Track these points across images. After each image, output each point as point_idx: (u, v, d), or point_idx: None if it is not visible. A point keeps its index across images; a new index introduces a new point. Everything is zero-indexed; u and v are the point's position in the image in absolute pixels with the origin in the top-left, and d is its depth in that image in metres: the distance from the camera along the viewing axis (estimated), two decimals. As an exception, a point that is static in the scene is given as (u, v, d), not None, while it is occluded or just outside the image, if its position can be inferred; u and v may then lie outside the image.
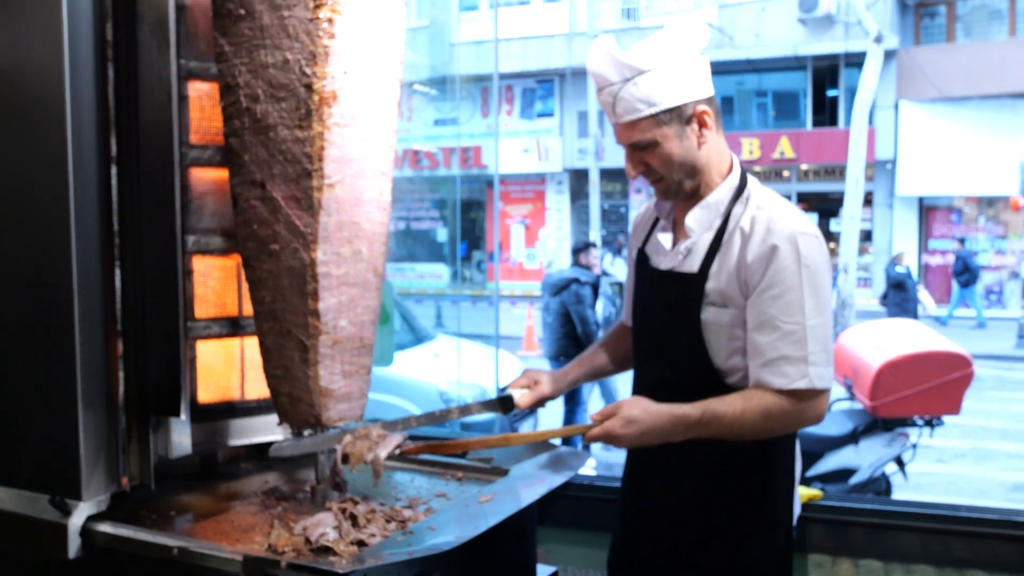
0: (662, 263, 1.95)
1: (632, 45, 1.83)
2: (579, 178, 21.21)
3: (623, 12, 20.24)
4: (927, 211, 18.88)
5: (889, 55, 16.11)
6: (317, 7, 1.75)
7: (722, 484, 1.91)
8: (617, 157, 21.36)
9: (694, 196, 1.89)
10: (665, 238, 1.96)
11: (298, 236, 1.82)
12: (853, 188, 12.73)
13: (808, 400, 1.75)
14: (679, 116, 1.81)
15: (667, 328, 1.92)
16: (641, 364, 2.04)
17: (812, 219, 20.76)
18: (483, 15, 20.65)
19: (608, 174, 20.48)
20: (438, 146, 19.26)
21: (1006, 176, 16.16)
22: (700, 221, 1.87)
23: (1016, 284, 16.67)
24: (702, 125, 1.84)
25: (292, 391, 1.89)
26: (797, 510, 2.01)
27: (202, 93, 1.96)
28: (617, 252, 11.45)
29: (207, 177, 1.98)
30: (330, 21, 1.76)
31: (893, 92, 17.94)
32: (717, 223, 1.85)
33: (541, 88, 21.58)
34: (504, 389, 2.11)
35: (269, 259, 1.85)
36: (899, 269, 12.77)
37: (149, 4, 1.82)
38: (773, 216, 1.80)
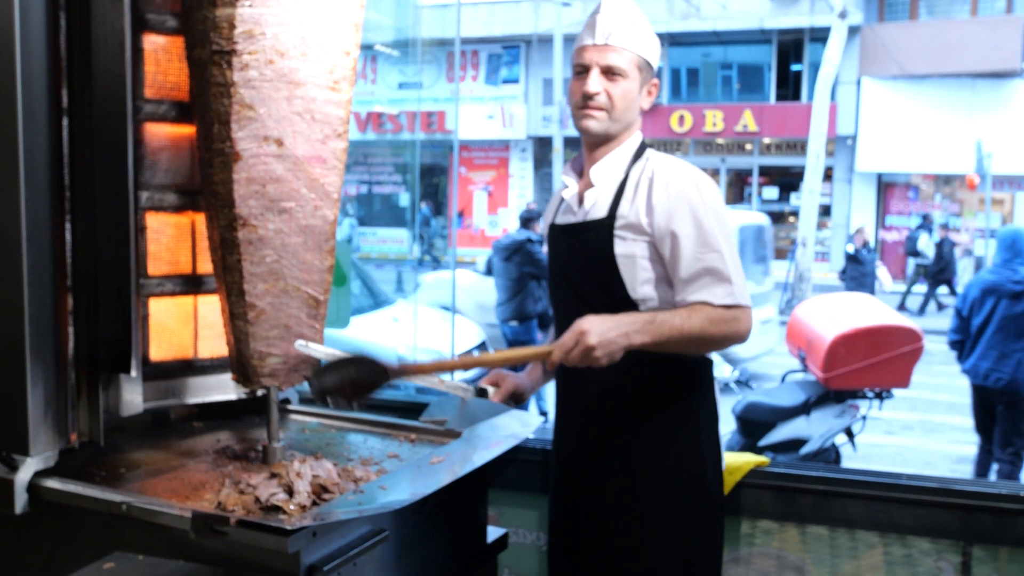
0: (571, 219, 2.11)
1: None
2: (543, 146, 21.16)
3: (591, -21, 20.13)
4: (885, 187, 19.16)
5: (853, 31, 16.22)
6: None
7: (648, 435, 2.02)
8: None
9: (607, 143, 2.06)
10: (569, 193, 2.12)
11: (322, 195, 1.86)
12: (814, 163, 12.88)
13: (737, 315, 1.93)
14: (647, 74, 2.06)
15: (583, 272, 2.06)
16: (562, 322, 2.09)
17: (772, 191, 20.75)
18: (450, -23, 20.39)
19: (572, 142, 20.44)
20: (401, 109, 19.09)
21: (963, 155, 16.44)
22: (603, 173, 2.06)
23: (969, 261, 17.02)
24: (650, 94, 2.09)
25: (290, 350, 1.90)
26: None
27: (158, 47, 1.92)
28: None
29: (162, 133, 1.95)
30: None
31: (856, 68, 18.10)
32: (619, 177, 2.04)
33: (507, 54, 21.43)
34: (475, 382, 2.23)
35: (278, 217, 1.84)
36: (848, 248, 12.91)
37: (102, -48, 1.78)
38: (671, 167, 2.02)
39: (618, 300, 1.99)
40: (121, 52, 1.78)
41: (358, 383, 1.82)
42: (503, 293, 7.88)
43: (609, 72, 2.01)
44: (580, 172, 2.14)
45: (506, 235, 8.26)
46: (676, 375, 2.02)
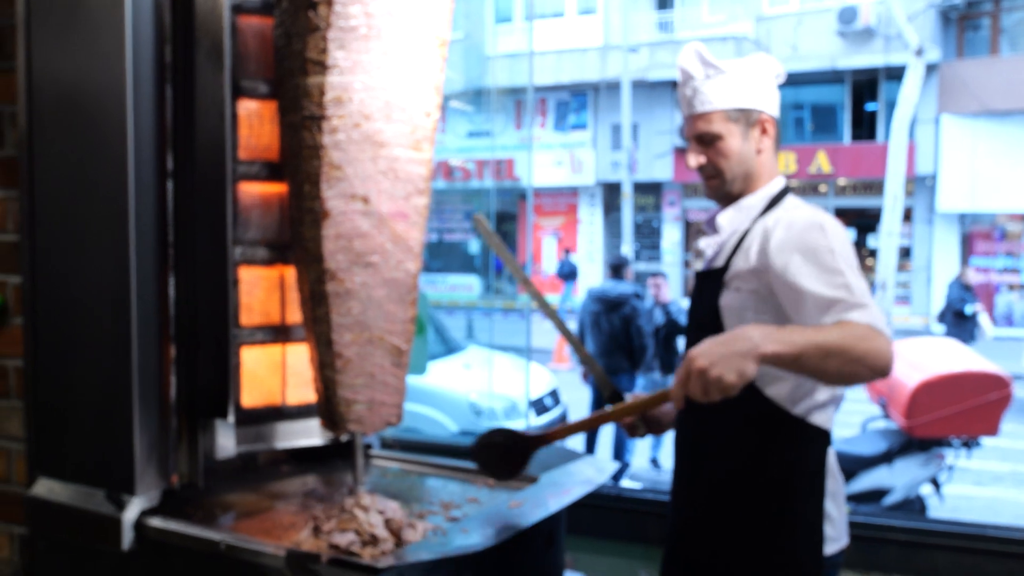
0: (699, 268, 2.05)
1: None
2: (612, 191, 21.23)
3: (658, 25, 20.30)
4: (969, 228, 18.63)
5: (931, 68, 15.92)
6: (442, 44, 1.97)
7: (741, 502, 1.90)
8: (650, 170, 21.12)
9: (738, 198, 1.99)
10: (703, 241, 2.06)
11: (405, 250, 1.97)
12: (892, 204, 12.63)
13: (880, 334, 1.69)
14: (746, 118, 1.96)
15: (699, 323, 1.97)
16: None
17: (850, 233, 20.27)
18: (518, 28, 20.81)
19: (641, 187, 20.49)
20: (472, 158, 19.43)
21: (1050, 193, 15.92)
22: (731, 220, 1.98)
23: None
24: (763, 132, 1.98)
25: (374, 396, 1.99)
26: (840, 542, 1.95)
27: (251, 111, 2.05)
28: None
29: (254, 191, 2.08)
30: (444, 57, 1.99)
31: (934, 106, 17.75)
32: (746, 225, 1.95)
33: (575, 101, 21.66)
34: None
35: (364, 271, 1.94)
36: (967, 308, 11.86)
37: (205, 28, 1.93)
38: (798, 213, 1.89)
39: None
40: (221, 120, 1.92)
41: (507, 458, 2.01)
42: (600, 346, 7.36)
43: (702, 140, 1.97)
44: None
45: (611, 285, 7.50)
46: (779, 444, 1.88)
